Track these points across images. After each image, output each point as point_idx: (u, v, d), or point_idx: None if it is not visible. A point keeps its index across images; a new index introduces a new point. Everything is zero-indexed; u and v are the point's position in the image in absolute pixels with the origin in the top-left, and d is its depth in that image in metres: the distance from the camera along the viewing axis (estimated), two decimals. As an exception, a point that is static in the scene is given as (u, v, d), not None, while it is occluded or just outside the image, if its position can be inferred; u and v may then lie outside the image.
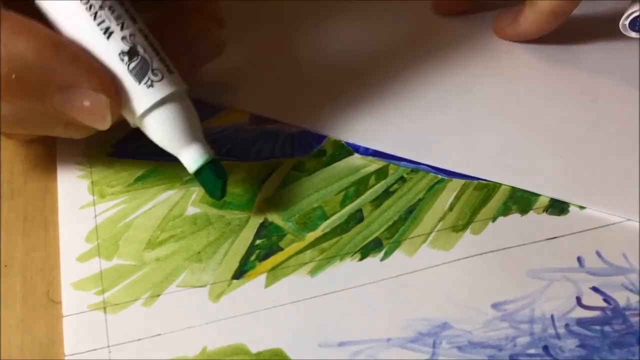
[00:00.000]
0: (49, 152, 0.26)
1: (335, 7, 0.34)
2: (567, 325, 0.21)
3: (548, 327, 0.21)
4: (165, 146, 0.22)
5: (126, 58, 0.21)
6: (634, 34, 0.28)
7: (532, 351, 0.20)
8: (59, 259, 0.22)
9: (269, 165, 0.26)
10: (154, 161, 0.26)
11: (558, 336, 0.21)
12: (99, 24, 0.21)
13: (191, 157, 0.22)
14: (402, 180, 0.25)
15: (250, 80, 0.30)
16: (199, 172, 0.22)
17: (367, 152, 0.27)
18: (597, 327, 0.21)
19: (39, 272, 0.22)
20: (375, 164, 0.26)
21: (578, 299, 0.22)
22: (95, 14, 0.21)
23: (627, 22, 0.28)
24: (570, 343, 0.20)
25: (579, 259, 0.23)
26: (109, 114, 0.21)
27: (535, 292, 0.22)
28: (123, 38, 0.21)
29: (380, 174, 0.26)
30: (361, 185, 0.25)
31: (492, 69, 0.31)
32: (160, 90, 0.21)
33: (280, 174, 0.26)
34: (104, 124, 0.21)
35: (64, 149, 0.26)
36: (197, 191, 0.25)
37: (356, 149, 0.27)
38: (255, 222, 0.24)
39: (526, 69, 0.31)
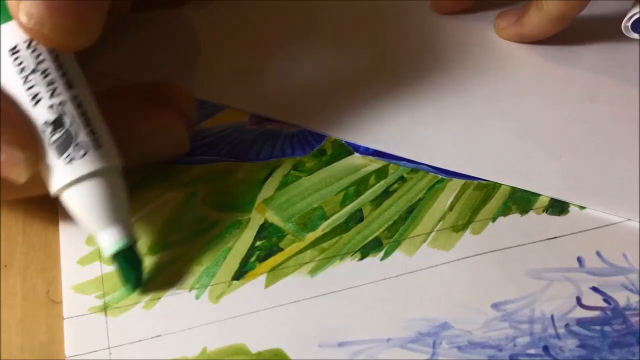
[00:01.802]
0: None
1: (334, 7, 0.34)
2: (567, 325, 0.21)
3: (548, 327, 0.21)
4: (81, 225, 0.21)
5: (49, 129, 0.20)
6: (636, 36, 0.28)
7: (532, 351, 0.20)
8: (59, 259, 0.22)
9: (268, 166, 0.26)
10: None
11: (558, 336, 0.21)
12: (28, 89, 0.20)
13: (105, 242, 0.20)
14: (402, 179, 0.25)
15: (250, 80, 0.30)
16: (115, 258, 0.21)
17: (367, 151, 0.26)
18: (597, 327, 0.21)
19: (39, 272, 0.22)
20: (375, 164, 0.26)
21: (578, 299, 0.22)
22: (26, 77, 0.19)
23: (629, 24, 0.28)
24: (570, 343, 0.21)
25: (579, 259, 0.23)
26: (24, 170, 0.19)
27: (535, 292, 0.22)
28: (50, 107, 0.20)
29: (380, 173, 0.26)
30: (361, 185, 0.25)
31: (492, 68, 0.31)
32: (78, 168, 0.20)
33: (280, 174, 0.26)
34: (19, 179, 0.20)
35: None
36: (197, 194, 0.25)
37: (356, 148, 0.27)
38: (255, 223, 0.24)
39: (526, 69, 0.31)
